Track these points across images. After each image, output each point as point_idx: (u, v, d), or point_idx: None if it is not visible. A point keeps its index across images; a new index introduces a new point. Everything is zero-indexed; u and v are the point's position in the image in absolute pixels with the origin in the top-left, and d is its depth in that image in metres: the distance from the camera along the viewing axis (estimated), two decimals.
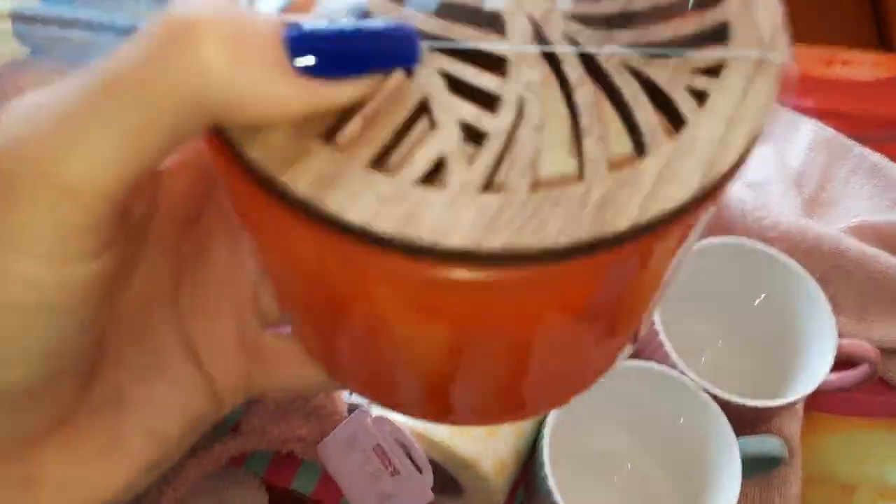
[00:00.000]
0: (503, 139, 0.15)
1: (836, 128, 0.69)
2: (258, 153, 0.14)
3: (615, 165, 0.15)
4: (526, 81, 0.15)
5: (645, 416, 0.49)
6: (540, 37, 0.16)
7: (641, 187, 0.14)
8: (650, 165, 0.15)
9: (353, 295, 0.16)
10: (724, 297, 0.54)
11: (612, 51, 0.15)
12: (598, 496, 0.50)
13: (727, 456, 0.45)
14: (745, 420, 0.48)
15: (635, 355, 0.51)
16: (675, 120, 0.15)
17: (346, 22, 0.14)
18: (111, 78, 0.13)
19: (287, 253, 0.16)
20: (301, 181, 0.14)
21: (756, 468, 0.49)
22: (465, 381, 0.18)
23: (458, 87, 0.15)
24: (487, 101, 0.15)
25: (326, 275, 0.15)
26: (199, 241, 0.20)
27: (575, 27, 0.16)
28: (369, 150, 0.14)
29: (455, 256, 0.13)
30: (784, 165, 0.66)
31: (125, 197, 0.14)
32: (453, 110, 0.15)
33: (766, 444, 0.47)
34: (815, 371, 0.48)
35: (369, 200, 0.14)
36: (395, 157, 0.15)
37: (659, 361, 0.48)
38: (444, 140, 0.15)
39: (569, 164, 0.15)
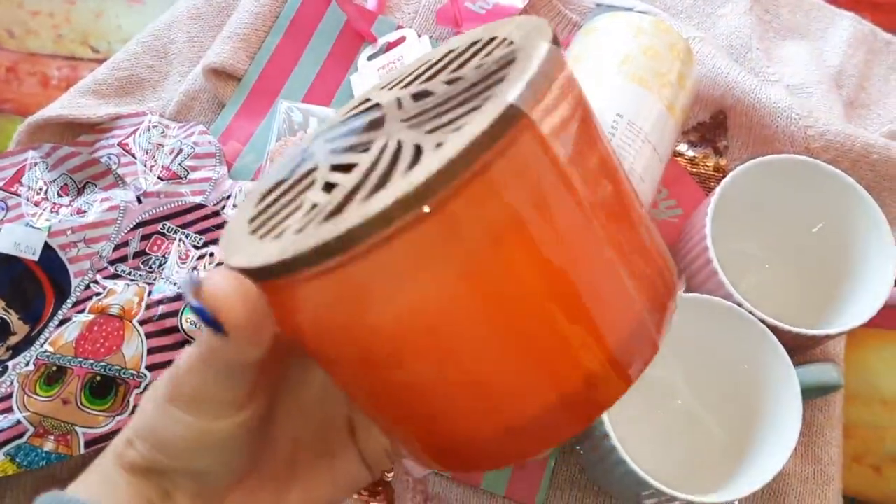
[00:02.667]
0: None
1: (874, 21, 0.64)
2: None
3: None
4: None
5: (700, 348, 0.47)
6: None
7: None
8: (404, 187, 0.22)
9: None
10: (777, 220, 0.51)
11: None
12: (643, 427, 0.49)
13: (786, 388, 0.43)
14: (789, 345, 0.45)
15: (688, 285, 0.48)
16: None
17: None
18: (206, 359, 0.23)
19: None
20: (233, 260, 0.23)
21: (809, 396, 0.47)
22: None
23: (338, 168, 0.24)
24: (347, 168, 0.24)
25: None
26: None
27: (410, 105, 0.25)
28: (255, 227, 0.24)
29: (273, 268, 0.22)
30: (822, 64, 0.61)
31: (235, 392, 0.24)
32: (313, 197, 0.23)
33: (825, 373, 0.45)
34: (875, 295, 0.46)
35: (245, 254, 0.23)
36: (273, 228, 0.24)
37: (711, 291, 0.46)
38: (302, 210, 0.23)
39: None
